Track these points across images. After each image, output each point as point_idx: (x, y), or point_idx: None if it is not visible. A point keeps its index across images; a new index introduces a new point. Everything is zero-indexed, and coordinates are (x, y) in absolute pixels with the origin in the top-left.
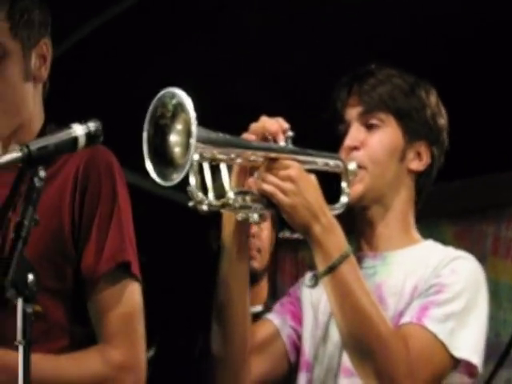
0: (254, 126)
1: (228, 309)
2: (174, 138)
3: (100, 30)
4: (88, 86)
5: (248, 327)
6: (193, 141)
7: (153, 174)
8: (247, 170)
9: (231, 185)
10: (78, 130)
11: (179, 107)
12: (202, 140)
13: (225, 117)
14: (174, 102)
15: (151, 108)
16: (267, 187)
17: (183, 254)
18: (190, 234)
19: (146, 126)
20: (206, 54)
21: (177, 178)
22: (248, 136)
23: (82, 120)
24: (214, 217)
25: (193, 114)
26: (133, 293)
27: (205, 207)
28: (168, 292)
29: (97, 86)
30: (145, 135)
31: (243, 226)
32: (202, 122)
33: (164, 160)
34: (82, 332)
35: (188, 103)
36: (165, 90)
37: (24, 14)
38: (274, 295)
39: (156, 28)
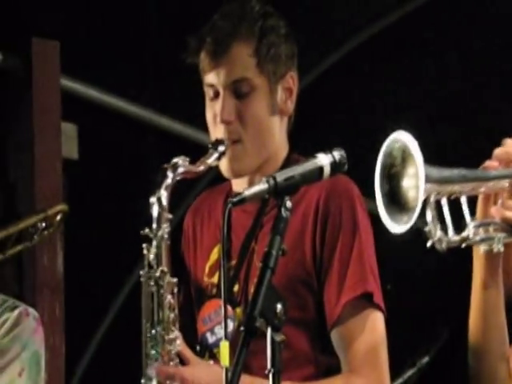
0: (497, 151)
1: (484, 337)
2: (406, 183)
3: (340, 63)
4: (329, 116)
5: (505, 355)
6: (421, 183)
7: (386, 222)
8: (491, 198)
9: (474, 216)
10: (324, 159)
11: (406, 152)
12: (433, 180)
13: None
14: (398, 145)
15: (380, 159)
16: (510, 214)
17: (424, 281)
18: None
19: (377, 179)
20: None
21: (408, 221)
22: (491, 163)
23: (326, 149)
24: None
25: (419, 157)
26: (376, 322)
27: (444, 245)
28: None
29: (337, 115)
30: (377, 188)
31: (493, 256)
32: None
33: (397, 205)
34: (328, 361)
35: (413, 147)
36: (389, 138)
37: (271, 48)
38: None
39: (387, 64)
